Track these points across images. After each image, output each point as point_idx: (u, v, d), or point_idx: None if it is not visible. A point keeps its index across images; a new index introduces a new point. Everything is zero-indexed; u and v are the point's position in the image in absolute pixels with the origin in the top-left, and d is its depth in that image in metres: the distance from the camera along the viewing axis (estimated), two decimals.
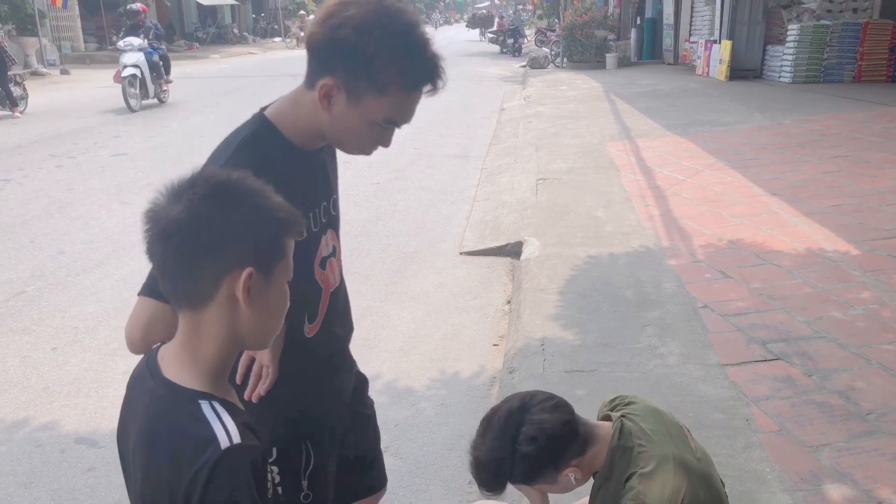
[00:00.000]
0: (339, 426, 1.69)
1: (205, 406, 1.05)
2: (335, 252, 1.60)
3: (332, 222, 1.59)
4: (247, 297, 1.05)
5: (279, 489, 1.55)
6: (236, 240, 1.04)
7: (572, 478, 1.62)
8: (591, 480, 1.70)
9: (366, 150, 1.47)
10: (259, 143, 1.43)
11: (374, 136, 1.43)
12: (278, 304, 1.12)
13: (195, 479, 1.00)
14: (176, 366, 1.10)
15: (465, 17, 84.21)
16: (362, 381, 1.86)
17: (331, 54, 1.35)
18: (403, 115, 1.42)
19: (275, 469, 1.55)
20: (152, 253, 1.08)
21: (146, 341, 1.33)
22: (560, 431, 1.59)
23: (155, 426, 1.07)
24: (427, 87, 1.40)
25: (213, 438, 1.02)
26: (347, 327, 1.73)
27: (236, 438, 1.03)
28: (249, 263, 1.04)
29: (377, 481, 1.90)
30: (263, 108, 1.50)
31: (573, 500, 2.01)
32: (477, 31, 37.96)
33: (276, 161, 1.41)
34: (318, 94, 1.37)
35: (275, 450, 1.54)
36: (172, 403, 1.07)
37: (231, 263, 1.04)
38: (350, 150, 1.48)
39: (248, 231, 1.05)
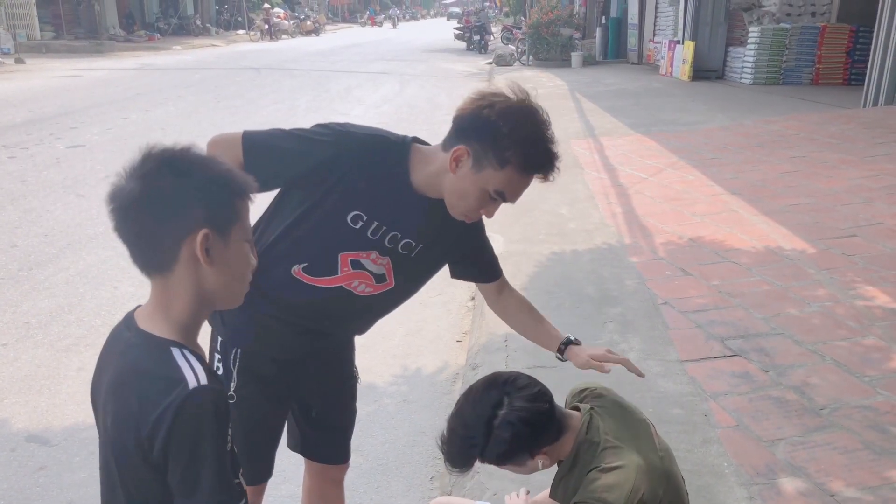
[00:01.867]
0: (292, 379, 1.87)
1: (175, 352, 1.13)
2: (384, 277, 1.75)
3: (394, 256, 1.74)
4: (206, 256, 1.13)
5: None
6: (188, 205, 1.12)
7: (540, 463, 1.64)
8: (555, 467, 1.70)
9: (470, 214, 1.68)
10: (387, 149, 1.69)
11: (481, 204, 1.65)
12: (239, 263, 1.19)
13: (162, 417, 1.07)
14: (150, 321, 1.18)
15: (432, 13, 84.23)
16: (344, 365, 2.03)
17: (471, 127, 1.60)
18: (513, 192, 1.64)
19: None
20: (118, 230, 1.16)
21: None
22: (538, 420, 1.60)
23: (127, 370, 1.15)
24: (539, 175, 1.63)
25: (182, 379, 1.09)
26: (338, 331, 1.91)
27: (203, 381, 1.10)
28: (204, 225, 1.12)
29: (332, 455, 2.06)
30: (414, 139, 1.74)
31: (535, 491, 2.01)
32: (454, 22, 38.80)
33: (378, 166, 1.66)
34: (451, 156, 1.61)
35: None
36: (145, 350, 1.15)
37: (188, 227, 1.12)
38: (456, 210, 1.68)
39: (199, 195, 1.13)
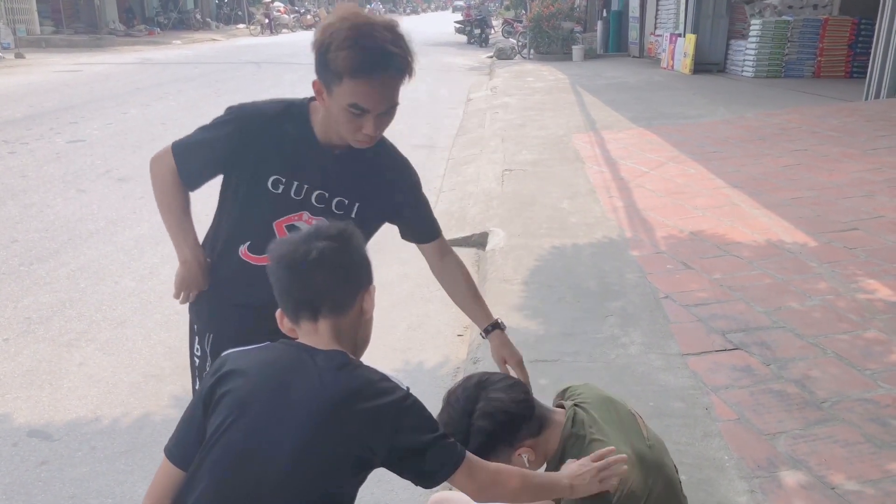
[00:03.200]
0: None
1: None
2: None
3: (328, 216, 1.79)
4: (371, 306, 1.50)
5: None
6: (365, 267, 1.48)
7: (525, 459, 1.64)
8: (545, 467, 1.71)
9: (352, 136, 1.70)
10: (288, 109, 1.79)
11: (352, 123, 1.66)
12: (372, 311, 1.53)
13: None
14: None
15: (433, 6, 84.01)
16: None
17: (314, 58, 1.64)
18: (365, 100, 1.62)
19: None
20: (303, 284, 1.43)
21: None
22: (515, 409, 1.62)
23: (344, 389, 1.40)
24: (376, 75, 1.60)
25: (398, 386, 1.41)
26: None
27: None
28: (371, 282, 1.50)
29: None
30: (312, 98, 1.80)
31: None
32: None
33: (283, 132, 1.77)
34: (315, 92, 1.69)
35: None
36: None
37: (365, 284, 1.49)
38: (345, 138, 1.72)
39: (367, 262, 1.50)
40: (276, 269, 1.42)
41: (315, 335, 1.41)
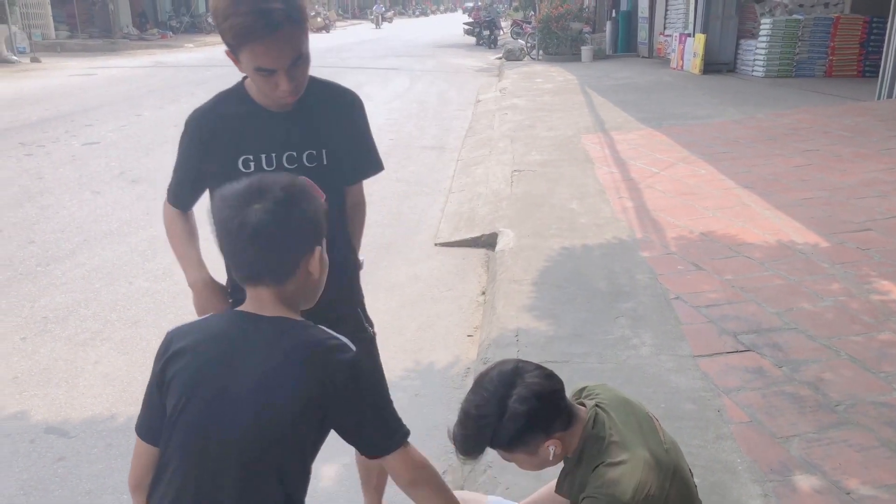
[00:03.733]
0: None
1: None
2: None
3: (304, 172, 1.76)
4: (320, 269, 1.45)
5: None
6: (308, 230, 1.41)
7: (552, 451, 1.60)
8: (561, 465, 1.71)
9: (273, 95, 1.75)
10: (227, 96, 1.87)
11: (268, 83, 1.72)
12: (323, 271, 1.48)
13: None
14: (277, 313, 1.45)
15: (441, 8, 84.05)
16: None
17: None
18: (266, 62, 1.66)
19: None
20: (242, 251, 1.38)
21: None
22: (552, 399, 1.59)
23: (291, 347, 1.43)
24: (259, 38, 1.62)
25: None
26: None
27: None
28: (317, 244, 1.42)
29: None
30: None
31: (539, 485, 2.02)
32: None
33: (229, 114, 1.84)
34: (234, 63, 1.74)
35: None
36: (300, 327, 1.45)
37: (308, 247, 1.42)
38: (270, 98, 1.78)
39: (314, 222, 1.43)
40: (217, 232, 1.39)
41: (258, 301, 1.40)
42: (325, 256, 1.45)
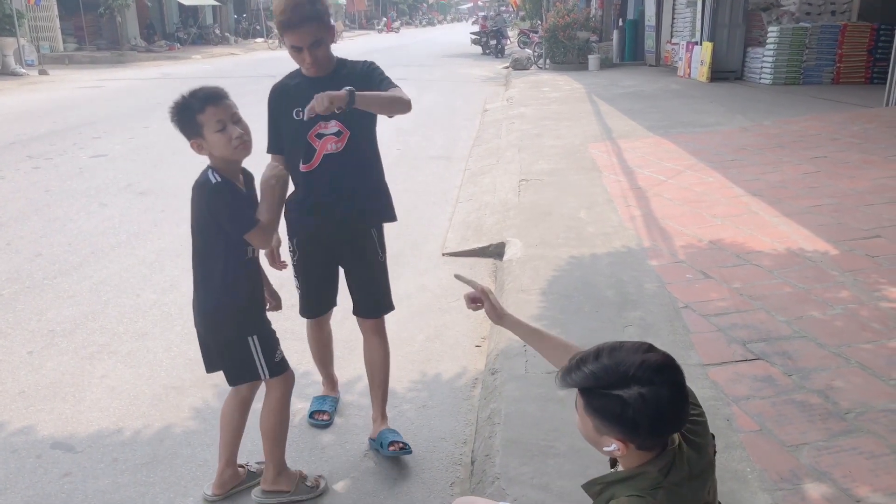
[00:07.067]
0: (328, 248, 2.91)
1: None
2: (340, 134, 2.72)
3: (326, 118, 2.67)
4: (200, 151, 2.44)
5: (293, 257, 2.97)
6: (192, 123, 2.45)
7: (613, 448, 1.49)
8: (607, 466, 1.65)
9: (304, 68, 2.70)
10: (288, 75, 2.82)
11: (299, 58, 2.65)
12: (218, 146, 2.37)
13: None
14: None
15: (450, 17, 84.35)
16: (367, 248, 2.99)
17: None
18: (295, 42, 2.59)
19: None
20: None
21: None
22: (664, 417, 1.45)
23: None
24: (294, 28, 2.54)
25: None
26: (343, 198, 2.78)
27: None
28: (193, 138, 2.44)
29: (365, 311, 3.03)
30: None
31: (549, 498, 2.00)
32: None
33: (290, 84, 2.77)
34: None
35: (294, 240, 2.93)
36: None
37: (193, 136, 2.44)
38: (303, 68, 2.72)
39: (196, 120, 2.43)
40: None
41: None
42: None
